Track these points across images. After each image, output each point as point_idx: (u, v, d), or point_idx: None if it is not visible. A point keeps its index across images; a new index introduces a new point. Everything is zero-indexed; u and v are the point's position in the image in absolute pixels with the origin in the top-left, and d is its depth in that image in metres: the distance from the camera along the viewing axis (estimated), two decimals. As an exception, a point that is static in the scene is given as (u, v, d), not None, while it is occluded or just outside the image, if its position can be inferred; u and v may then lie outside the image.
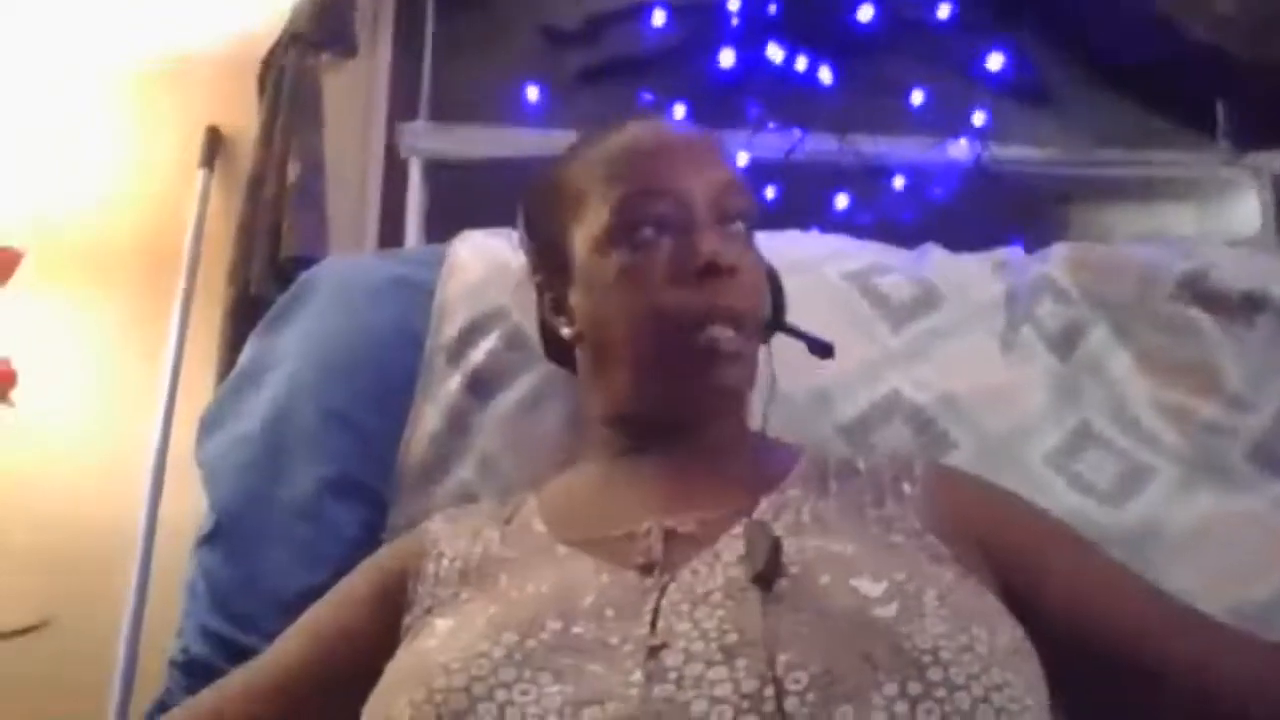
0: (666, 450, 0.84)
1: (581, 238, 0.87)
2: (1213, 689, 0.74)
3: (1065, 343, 1.12)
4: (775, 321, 0.90)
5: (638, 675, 0.61)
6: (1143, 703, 0.76)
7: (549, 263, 0.92)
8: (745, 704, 0.58)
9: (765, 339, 0.90)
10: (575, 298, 0.88)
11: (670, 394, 0.84)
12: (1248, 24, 1.69)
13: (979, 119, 1.89)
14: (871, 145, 1.87)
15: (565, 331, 0.90)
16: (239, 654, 0.93)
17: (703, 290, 0.80)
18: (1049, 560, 0.79)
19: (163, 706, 1.02)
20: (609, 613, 0.67)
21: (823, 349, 0.90)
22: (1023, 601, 0.72)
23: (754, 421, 0.88)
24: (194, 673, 1.00)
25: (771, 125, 1.88)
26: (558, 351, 1.00)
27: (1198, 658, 0.75)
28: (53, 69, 1.88)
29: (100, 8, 1.89)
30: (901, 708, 0.57)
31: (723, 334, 0.81)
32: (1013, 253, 1.24)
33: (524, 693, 0.62)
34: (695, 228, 0.82)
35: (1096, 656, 0.75)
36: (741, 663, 0.60)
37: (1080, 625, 0.76)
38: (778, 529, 0.73)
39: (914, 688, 0.58)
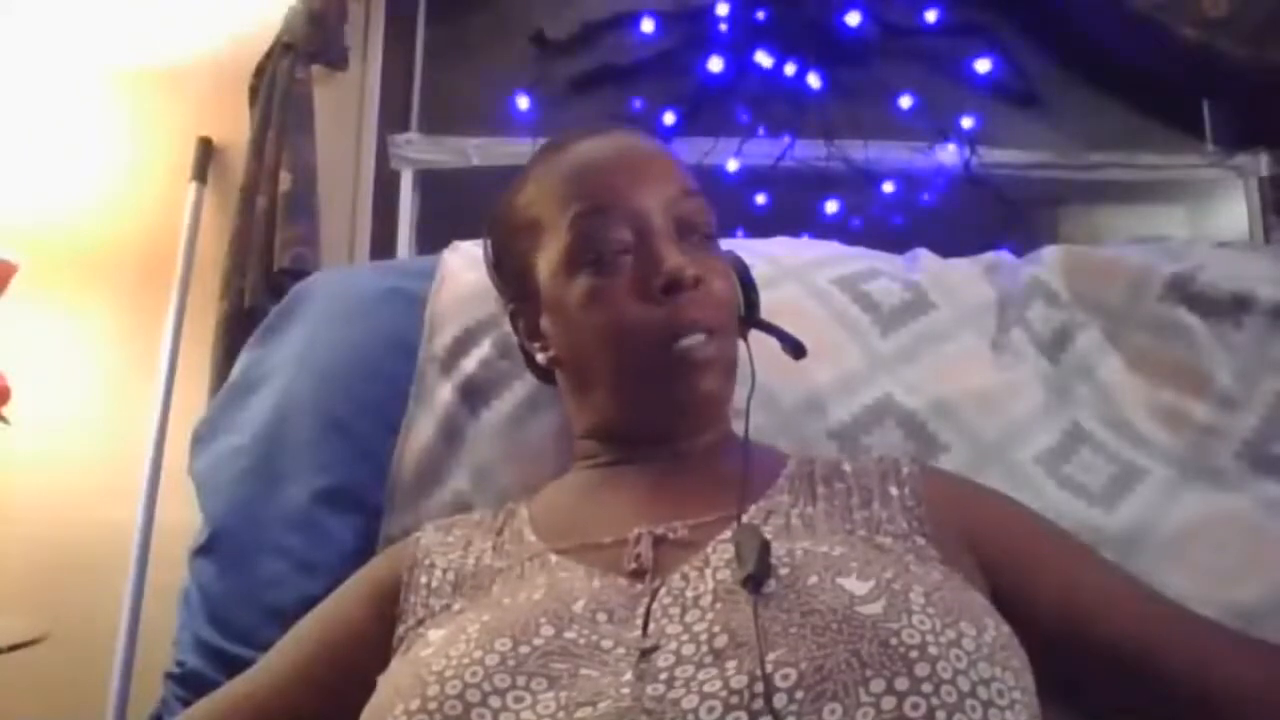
0: (653, 460, 0.85)
1: (544, 263, 0.87)
2: (1210, 690, 0.74)
3: (1056, 345, 1.12)
4: (750, 318, 0.91)
5: (629, 676, 0.62)
6: (1139, 704, 0.76)
7: (518, 291, 0.92)
8: (734, 700, 0.58)
9: (742, 334, 0.90)
10: (546, 323, 0.89)
11: (651, 408, 0.84)
12: (1242, 25, 1.70)
13: (967, 123, 1.89)
14: (861, 150, 1.87)
15: (541, 356, 0.91)
16: (234, 666, 0.93)
17: (669, 306, 0.81)
18: (1041, 561, 0.80)
19: (158, 719, 1.02)
20: (601, 617, 0.68)
21: (796, 348, 0.91)
22: (1014, 602, 0.72)
23: (739, 426, 0.88)
24: (189, 685, 1.01)
25: (761, 132, 1.89)
26: (542, 369, 1.00)
27: (1195, 659, 0.76)
28: (43, 83, 1.88)
29: (90, 21, 1.89)
30: (889, 703, 0.57)
31: (694, 342, 0.81)
32: (1002, 256, 1.25)
33: (518, 699, 0.62)
34: (655, 242, 0.82)
35: (1092, 658, 0.76)
36: (731, 663, 0.61)
37: (1074, 626, 0.76)
38: (766, 533, 0.73)
39: (901, 683, 0.58)
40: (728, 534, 0.72)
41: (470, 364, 1.09)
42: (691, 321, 0.81)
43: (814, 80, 1.90)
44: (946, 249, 1.26)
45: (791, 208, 1.84)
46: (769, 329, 0.92)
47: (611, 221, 0.83)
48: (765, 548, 0.67)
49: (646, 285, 0.81)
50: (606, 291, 0.82)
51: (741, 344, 0.90)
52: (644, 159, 0.88)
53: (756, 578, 0.65)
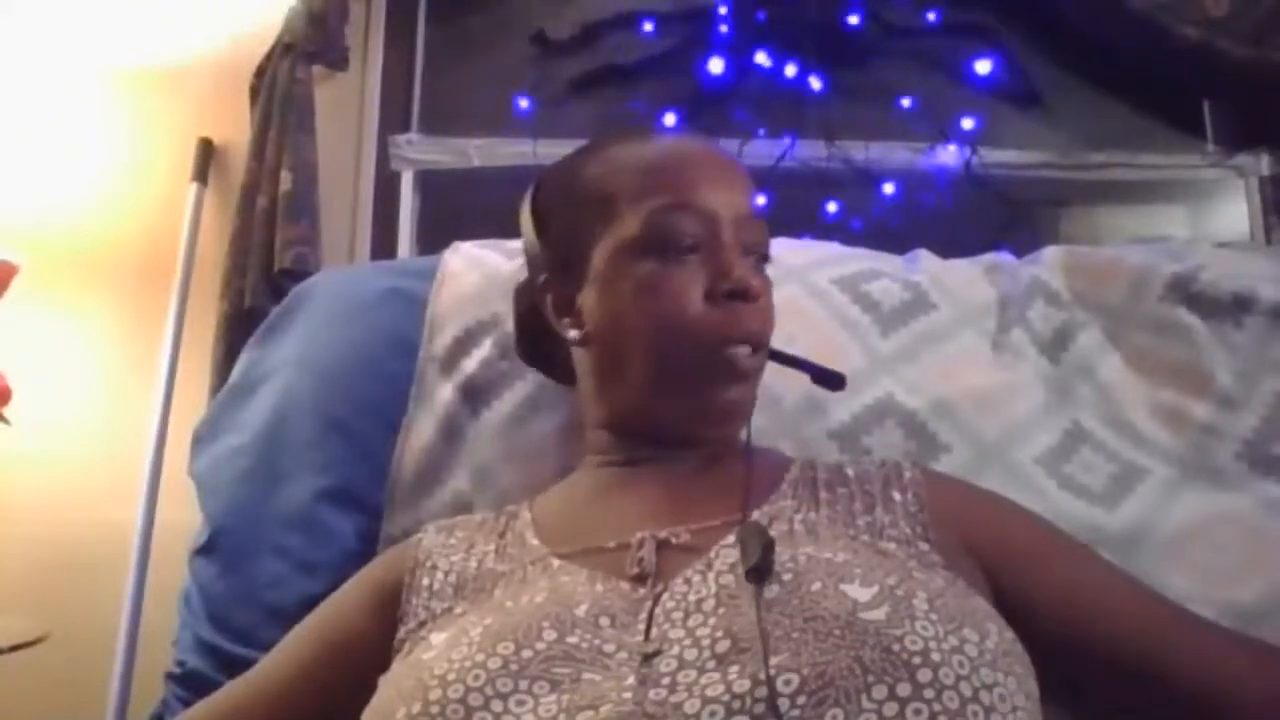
0: (662, 462, 0.84)
1: (607, 242, 0.85)
2: (1211, 691, 0.74)
3: (1056, 345, 1.12)
4: (772, 352, 0.90)
5: (631, 680, 0.62)
6: (1140, 705, 0.76)
7: (559, 261, 0.90)
8: (737, 705, 0.58)
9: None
10: (587, 299, 0.87)
11: (682, 405, 0.84)
12: (1243, 25, 1.70)
13: (968, 123, 1.89)
14: (861, 151, 1.87)
15: (572, 334, 0.88)
16: (234, 666, 0.93)
17: (729, 311, 0.82)
18: (1042, 563, 0.80)
19: (159, 719, 1.02)
20: (603, 622, 0.68)
21: (833, 379, 0.90)
22: (1015, 604, 0.72)
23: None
24: (190, 685, 1.01)
25: (761, 132, 1.88)
26: (532, 353, 1.00)
27: (1195, 660, 0.76)
28: (43, 83, 1.88)
29: (90, 21, 1.89)
30: (891, 709, 0.57)
31: (742, 351, 0.82)
32: (1003, 256, 1.25)
33: (520, 703, 0.62)
34: (726, 247, 0.83)
35: (1093, 659, 0.76)
36: (734, 667, 0.61)
37: (1075, 627, 0.76)
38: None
39: (903, 689, 0.58)
40: (731, 538, 0.72)
41: (471, 364, 1.09)
42: (746, 332, 0.83)
43: (814, 81, 1.90)
44: (946, 249, 1.26)
45: (792, 209, 1.84)
46: (800, 364, 0.91)
47: (690, 220, 0.83)
48: (770, 545, 0.67)
49: (713, 287, 0.82)
50: (669, 282, 0.82)
51: None
52: (727, 170, 0.88)
53: (760, 570, 0.65)
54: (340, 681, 0.78)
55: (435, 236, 1.79)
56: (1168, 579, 0.91)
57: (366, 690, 0.70)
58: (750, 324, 0.83)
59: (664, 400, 0.84)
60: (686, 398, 0.83)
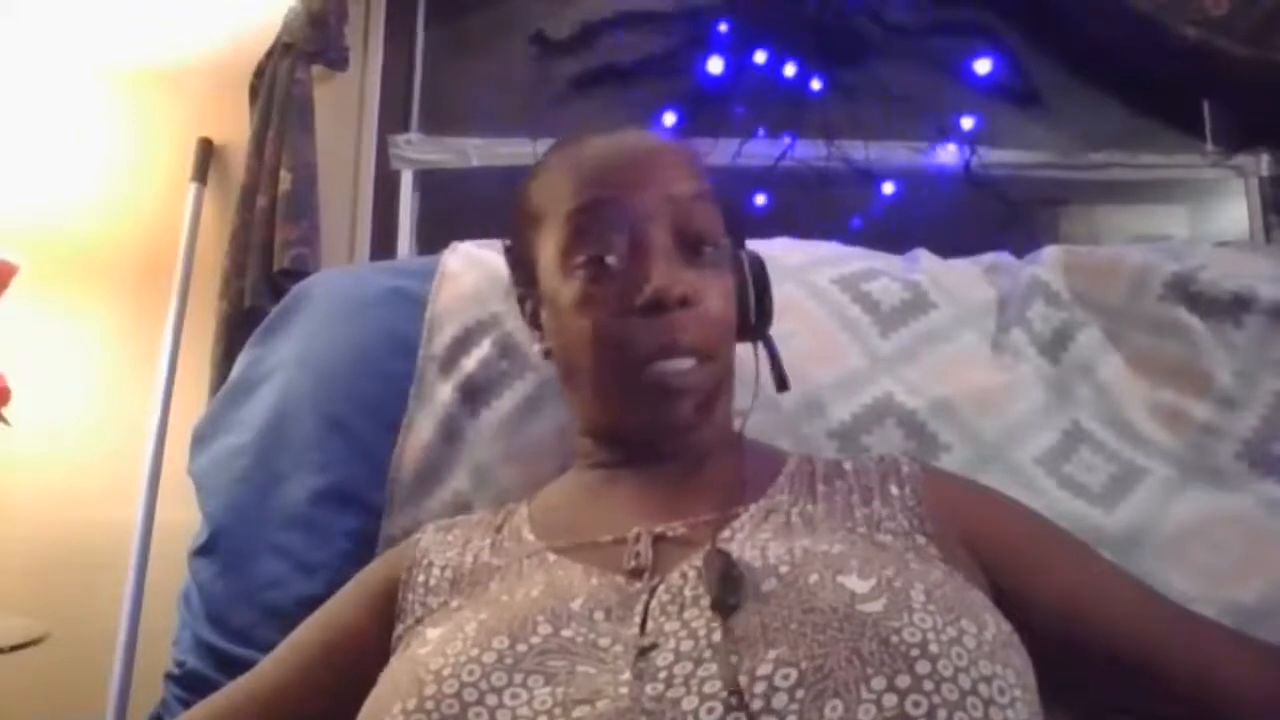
0: (650, 461, 0.84)
1: (543, 257, 0.86)
2: (1211, 691, 0.74)
3: (1056, 345, 1.12)
4: (760, 328, 0.90)
5: (627, 675, 0.62)
6: (1140, 704, 0.76)
7: (525, 278, 0.91)
8: (734, 700, 0.58)
9: (751, 339, 0.90)
10: (545, 315, 0.88)
11: (628, 422, 0.83)
12: (1243, 24, 1.70)
13: (967, 123, 1.89)
14: (861, 151, 1.87)
15: (536, 348, 0.91)
16: (234, 666, 0.93)
17: (651, 324, 0.78)
18: (1041, 560, 0.79)
19: (158, 719, 1.02)
20: (599, 615, 0.68)
21: (780, 380, 0.91)
22: (1014, 601, 0.72)
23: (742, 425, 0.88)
24: (189, 686, 1.01)
25: (761, 132, 1.88)
26: None
27: (1196, 660, 0.76)
28: (43, 83, 1.88)
29: (90, 21, 1.89)
30: (890, 701, 0.57)
31: (673, 367, 0.79)
32: (1003, 256, 1.25)
33: (515, 696, 0.62)
34: (645, 254, 0.80)
35: (1093, 658, 0.75)
36: (730, 658, 0.60)
37: (1075, 626, 0.76)
38: (766, 531, 0.73)
39: (902, 681, 0.58)
40: (727, 532, 0.72)
41: (470, 364, 1.09)
42: (672, 344, 0.79)
43: (814, 81, 1.90)
44: (946, 249, 1.26)
45: (791, 208, 1.84)
46: (770, 351, 0.91)
47: (607, 222, 0.81)
48: (734, 574, 0.66)
49: (629, 301, 0.79)
50: (594, 299, 0.80)
51: (750, 346, 0.90)
52: (650, 158, 0.84)
53: (728, 604, 0.64)
54: (339, 682, 0.78)
55: (435, 236, 1.80)
56: (1167, 579, 0.91)
57: (365, 690, 0.70)
58: (676, 334, 0.78)
59: (614, 418, 0.84)
60: (634, 415, 0.82)
